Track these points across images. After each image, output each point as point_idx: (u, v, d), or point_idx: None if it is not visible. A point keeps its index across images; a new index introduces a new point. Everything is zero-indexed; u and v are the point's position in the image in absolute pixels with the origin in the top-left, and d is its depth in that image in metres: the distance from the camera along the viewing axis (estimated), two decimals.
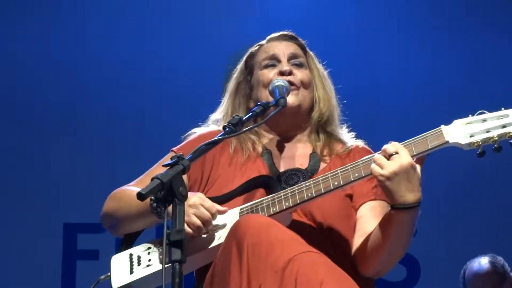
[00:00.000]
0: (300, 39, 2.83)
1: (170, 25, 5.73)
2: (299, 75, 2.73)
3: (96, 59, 5.67)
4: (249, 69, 2.81)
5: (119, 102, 5.67)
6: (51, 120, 5.61)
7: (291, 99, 2.67)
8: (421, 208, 2.41)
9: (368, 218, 2.58)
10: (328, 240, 2.55)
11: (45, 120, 5.61)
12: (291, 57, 2.76)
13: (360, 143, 2.78)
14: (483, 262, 4.74)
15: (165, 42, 5.71)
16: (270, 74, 2.73)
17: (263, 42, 2.84)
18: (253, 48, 2.83)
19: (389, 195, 2.38)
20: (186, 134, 2.81)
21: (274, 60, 2.75)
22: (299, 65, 2.76)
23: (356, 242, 2.57)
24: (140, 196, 2.06)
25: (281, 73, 2.71)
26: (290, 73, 2.71)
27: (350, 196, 2.65)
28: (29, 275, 5.36)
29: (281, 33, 2.83)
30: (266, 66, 2.75)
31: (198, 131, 2.79)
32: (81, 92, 5.65)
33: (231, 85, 2.84)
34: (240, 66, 2.84)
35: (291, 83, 2.69)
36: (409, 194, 2.35)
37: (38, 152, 5.58)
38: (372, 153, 2.64)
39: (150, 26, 5.75)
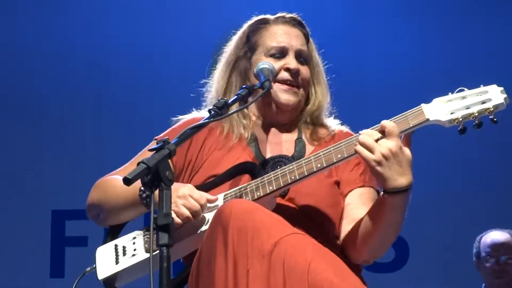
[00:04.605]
0: (306, 27, 2.76)
1: (161, 11, 5.73)
2: (303, 73, 2.69)
3: (84, 45, 5.66)
4: (250, 45, 2.73)
5: (107, 89, 5.66)
6: (38, 107, 5.60)
7: (290, 98, 2.66)
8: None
9: (357, 205, 2.57)
10: (316, 226, 2.53)
11: (33, 107, 5.60)
12: (298, 53, 2.70)
13: (344, 128, 2.76)
14: (501, 232, 4.79)
15: (154, 28, 5.70)
16: (276, 66, 2.66)
17: (270, 18, 2.75)
18: (258, 24, 2.74)
19: (380, 180, 2.35)
20: (174, 120, 2.78)
21: (281, 52, 2.68)
22: (303, 62, 2.71)
23: (345, 229, 2.56)
24: (127, 181, 2.06)
25: (287, 70, 2.66)
26: (297, 72, 2.67)
27: (338, 184, 2.63)
28: (17, 262, 5.36)
29: (290, 15, 2.75)
30: (273, 56, 2.69)
31: (183, 118, 2.76)
32: (68, 79, 5.64)
33: (227, 58, 2.77)
34: (239, 38, 2.76)
35: (292, 82, 2.66)
36: (401, 178, 2.32)
37: (25, 140, 5.57)
38: None
39: (141, 15, 5.74)
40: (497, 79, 2.38)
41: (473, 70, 5.40)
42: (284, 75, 2.66)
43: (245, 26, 2.78)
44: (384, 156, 2.30)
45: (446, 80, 5.27)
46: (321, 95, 2.74)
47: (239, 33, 2.78)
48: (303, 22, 2.77)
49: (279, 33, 2.71)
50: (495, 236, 4.81)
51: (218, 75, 2.78)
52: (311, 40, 2.77)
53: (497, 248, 4.76)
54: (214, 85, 2.77)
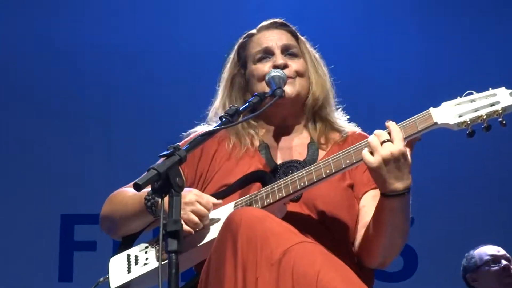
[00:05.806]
0: (291, 26, 2.80)
1: (168, 17, 5.73)
2: (294, 66, 2.70)
3: (95, 47, 5.66)
4: (242, 61, 2.78)
5: (117, 93, 5.66)
6: (47, 111, 5.61)
7: (289, 90, 2.65)
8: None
9: (369, 208, 2.56)
10: (329, 231, 2.54)
11: (42, 111, 5.61)
12: (284, 48, 2.73)
13: (357, 129, 2.76)
14: (492, 246, 4.74)
15: (163, 32, 5.70)
16: (264, 68, 2.70)
17: (254, 31, 2.80)
18: (244, 39, 2.80)
19: (379, 182, 2.36)
20: (187, 132, 2.77)
21: (267, 53, 2.72)
22: (293, 55, 2.73)
23: (359, 234, 2.56)
24: (137, 186, 2.06)
25: (275, 67, 2.67)
26: (285, 66, 2.68)
27: (351, 186, 2.63)
28: (26, 266, 5.37)
29: (271, 21, 2.79)
30: (260, 60, 2.72)
31: (199, 129, 2.75)
32: (78, 82, 5.65)
33: (225, 77, 2.80)
34: (232, 57, 2.81)
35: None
36: (398, 182, 2.33)
37: (35, 144, 5.57)
38: None
39: (148, 17, 5.74)
40: (508, 83, 2.37)
41: (484, 74, 5.38)
42: None
43: (235, 45, 2.82)
44: (384, 159, 2.31)
45: (457, 84, 5.25)
46: (316, 86, 2.73)
47: (231, 53, 2.82)
48: (286, 22, 2.80)
49: (261, 38, 2.75)
50: (489, 247, 4.77)
51: (219, 96, 2.80)
52: (300, 36, 2.80)
53: (498, 251, 4.73)
54: (216, 101, 2.79)
